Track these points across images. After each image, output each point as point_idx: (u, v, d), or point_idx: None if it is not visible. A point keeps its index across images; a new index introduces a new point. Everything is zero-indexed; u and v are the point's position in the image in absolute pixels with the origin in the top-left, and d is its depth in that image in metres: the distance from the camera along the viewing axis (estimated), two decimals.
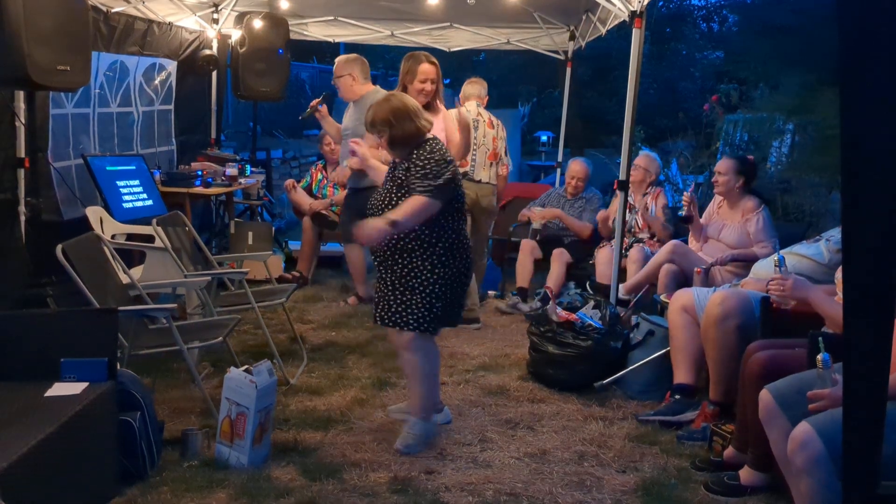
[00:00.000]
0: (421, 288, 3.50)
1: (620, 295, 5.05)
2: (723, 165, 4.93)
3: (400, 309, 3.53)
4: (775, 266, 3.19)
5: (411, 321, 3.53)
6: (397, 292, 3.54)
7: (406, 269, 3.52)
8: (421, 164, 3.47)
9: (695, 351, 3.91)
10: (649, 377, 4.24)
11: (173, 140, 7.23)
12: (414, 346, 3.58)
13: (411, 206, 3.40)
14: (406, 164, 3.52)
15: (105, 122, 6.14)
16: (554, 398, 4.23)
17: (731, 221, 4.88)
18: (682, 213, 4.96)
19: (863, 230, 1.65)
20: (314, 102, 5.50)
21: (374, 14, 7.61)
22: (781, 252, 3.90)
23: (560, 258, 5.94)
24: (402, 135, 3.53)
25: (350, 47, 9.31)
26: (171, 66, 6.96)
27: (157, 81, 6.82)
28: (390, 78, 17.90)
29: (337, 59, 5.42)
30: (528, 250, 6.13)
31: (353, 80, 5.31)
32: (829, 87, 6.30)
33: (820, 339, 2.61)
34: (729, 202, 4.91)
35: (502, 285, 6.50)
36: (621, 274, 5.13)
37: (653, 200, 5.84)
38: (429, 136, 3.60)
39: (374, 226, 3.39)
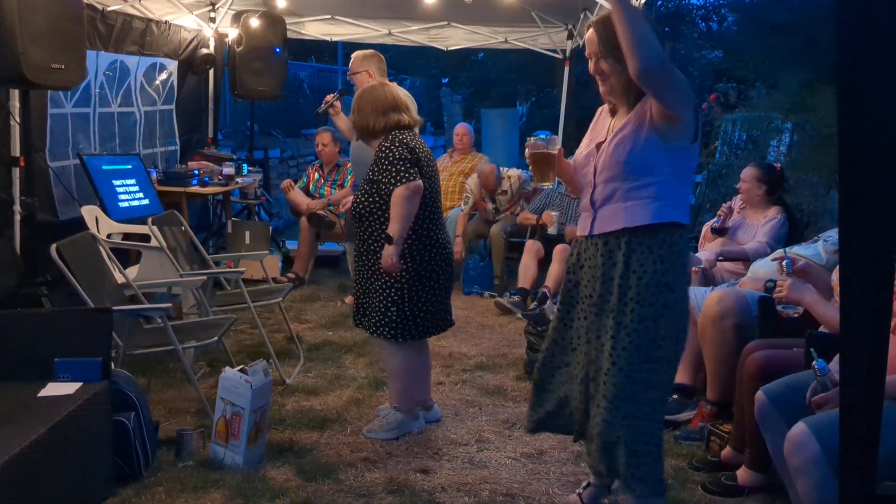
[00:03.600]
0: (379, 291, 3.47)
1: None
2: (746, 173, 4.80)
3: (363, 310, 3.56)
4: (782, 271, 3.12)
5: (371, 324, 3.53)
6: (359, 292, 3.57)
7: (368, 272, 3.51)
8: (382, 154, 3.43)
9: (692, 350, 3.88)
10: None
11: (177, 139, 7.23)
12: (382, 348, 3.61)
13: (395, 207, 3.36)
14: (373, 159, 3.50)
15: (106, 121, 6.13)
16: None
17: (751, 220, 4.83)
18: (716, 225, 4.83)
19: (860, 231, 1.64)
20: (330, 97, 5.42)
21: (371, 13, 7.61)
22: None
23: (562, 255, 5.81)
24: (371, 126, 3.50)
25: (348, 46, 9.31)
26: (172, 65, 6.96)
27: (158, 81, 6.82)
28: (388, 77, 17.90)
29: (354, 56, 5.32)
30: (532, 252, 6.02)
31: (370, 77, 5.24)
32: (828, 86, 6.29)
33: (812, 349, 2.60)
34: (751, 208, 4.85)
35: (501, 285, 6.48)
36: None
37: None
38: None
39: (385, 255, 3.35)
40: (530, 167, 2.93)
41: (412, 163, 3.39)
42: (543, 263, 6.01)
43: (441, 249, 3.53)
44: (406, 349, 3.57)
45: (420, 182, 3.37)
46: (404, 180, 3.34)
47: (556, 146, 2.83)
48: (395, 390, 3.67)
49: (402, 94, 3.76)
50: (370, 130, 3.51)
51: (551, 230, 6.11)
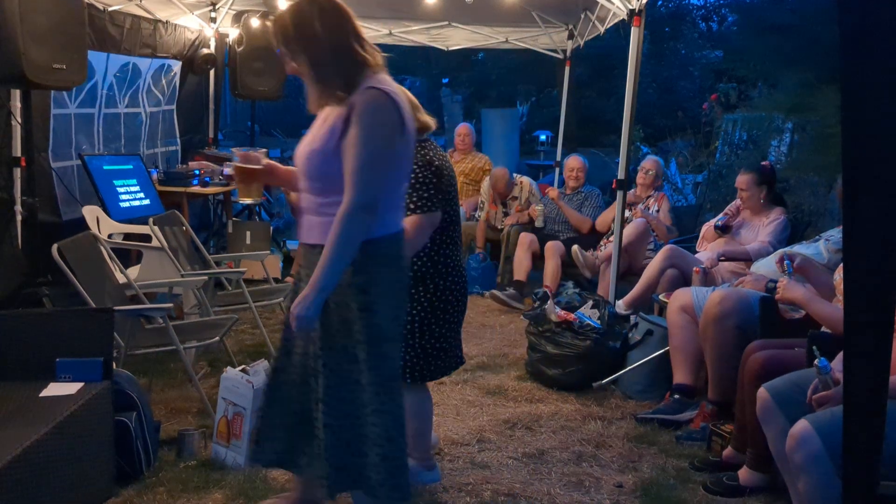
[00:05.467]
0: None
1: (620, 310, 4.83)
2: (742, 181, 4.73)
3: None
4: (783, 271, 3.12)
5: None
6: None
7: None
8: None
9: (694, 351, 3.89)
10: (648, 377, 4.23)
11: (177, 140, 7.24)
12: None
13: (408, 232, 2.72)
14: None
15: (111, 122, 6.14)
16: (552, 398, 4.22)
17: (753, 221, 4.80)
18: (720, 223, 4.80)
19: (864, 230, 1.64)
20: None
21: (372, 13, 7.59)
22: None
23: (554, 252, 5.93)
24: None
25: None
26: (177, 66, 6.98)
27: (164, 82, 6.83)
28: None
29: None
30: (525, 244, 6.14)
31: None
32: (828, 86, 6.28)
33: (815, 347, 2.61)
34: (752, 212, 4.81)
35: (504, 282, 6.48)
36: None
37: (656, 203, 5.84)
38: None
39: None
40: (236, 181, 2.71)
41: (437, 189, 2.91)
42: (538, 259, 6.10)
43: (457, 277, 3.06)
44: (417, 390, 3.07)
45: (439, 214, 2.92)
46: (424, 209, 2.87)
47: (263, 161, 2.66)
48: (407, 435, 3.09)
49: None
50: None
51: (538, 223, 6.35)
